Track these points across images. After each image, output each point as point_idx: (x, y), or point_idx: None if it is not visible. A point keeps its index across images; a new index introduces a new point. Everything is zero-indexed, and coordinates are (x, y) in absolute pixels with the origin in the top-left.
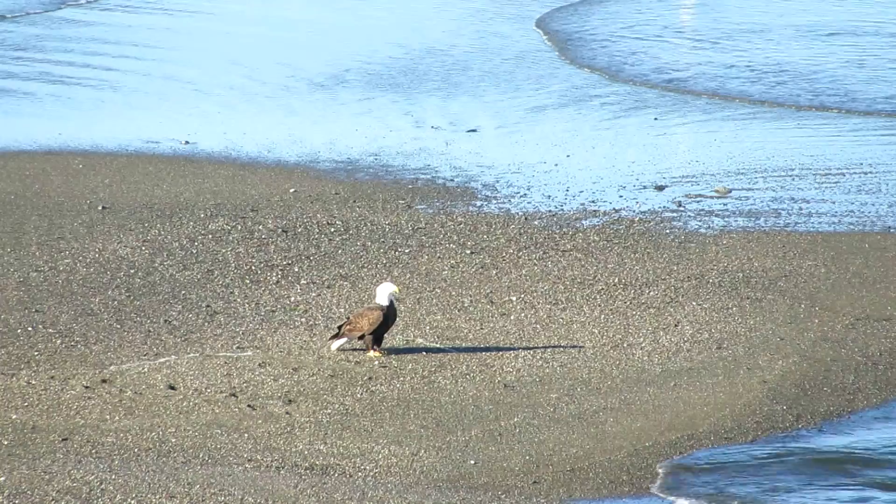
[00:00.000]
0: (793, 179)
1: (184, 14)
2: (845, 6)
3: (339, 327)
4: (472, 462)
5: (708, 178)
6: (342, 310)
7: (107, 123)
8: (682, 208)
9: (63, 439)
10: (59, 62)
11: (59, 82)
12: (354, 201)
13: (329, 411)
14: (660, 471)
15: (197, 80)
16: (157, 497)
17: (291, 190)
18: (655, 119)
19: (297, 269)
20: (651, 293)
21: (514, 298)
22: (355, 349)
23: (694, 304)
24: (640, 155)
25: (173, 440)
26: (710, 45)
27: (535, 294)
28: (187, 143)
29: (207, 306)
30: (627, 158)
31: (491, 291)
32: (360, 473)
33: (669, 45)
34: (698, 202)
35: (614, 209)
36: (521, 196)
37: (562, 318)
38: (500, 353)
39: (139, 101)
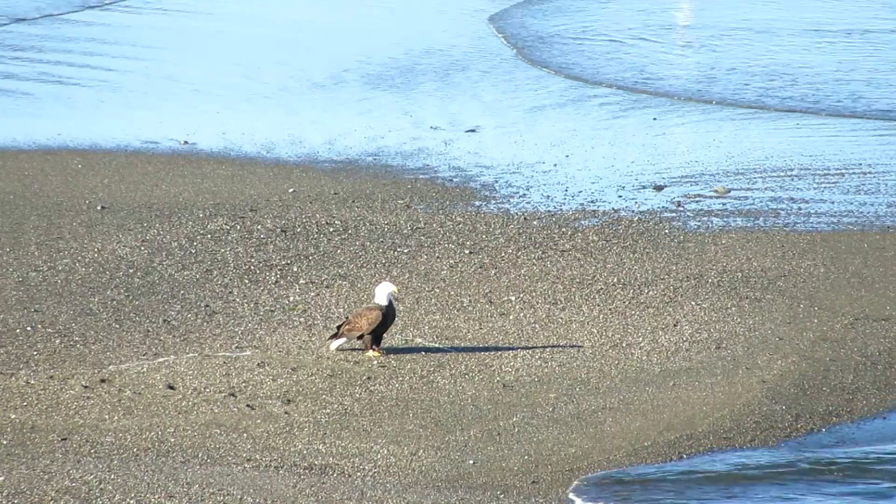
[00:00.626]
0: (792, 179)
1: (182, 14)
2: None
3: (338, 327)
4: (471, 462)
5: (707, 178)
6: (341, 309)
7: (106, 123)
8: (680, 208)
9: (62, 439)
10: (58, 62)
11: (58, 82)
12: (353, 201)
13: (328, 411)
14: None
15: (196, 80)
16: (156, 497)
17: (290, 190)
18: (654, 119)
19: (295, 269)
20: (650, 293)
21: (512, 298)
22: (354, 349)
23: (693, 303)
24: (639, 155)
25: (172, 440)
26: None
27: (533, 294)
28: (186, 143)
29: (206, 306)
30: (626, 158)
31: (490, 291)
32: (358, 473)
33: (656, 46)
34: (697, 202)
35: (613, 209)
36: (520, 196)
37: (561, 318)
38: (499, 352)
39: (138, 101)
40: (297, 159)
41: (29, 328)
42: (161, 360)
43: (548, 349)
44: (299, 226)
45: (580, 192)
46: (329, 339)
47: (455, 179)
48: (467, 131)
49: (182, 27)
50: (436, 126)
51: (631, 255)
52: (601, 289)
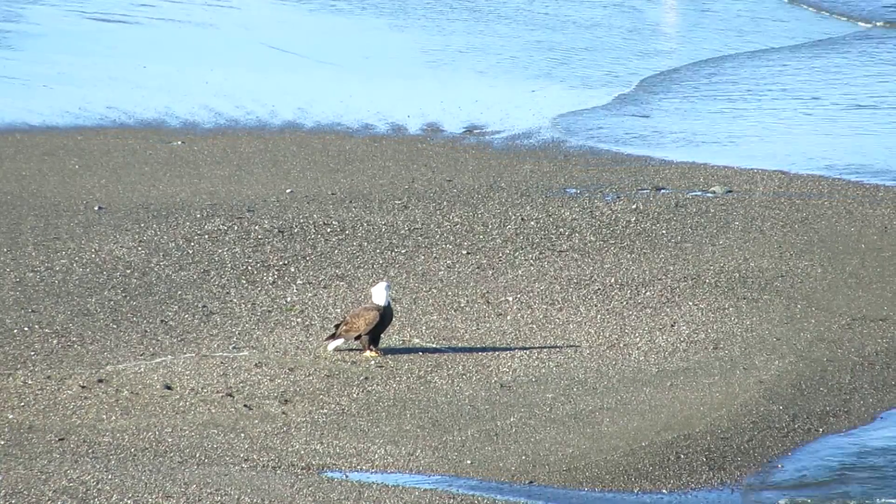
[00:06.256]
0: (790, 179)
1: (182, 15)
2: None
3: (336, 328)
4: (469, 462)
5: (705, 178)
6: (338, 310)
7: (102, 123)
8: (678, 208)
9: (59, 439)
10: (54, 62)
11: (55, 80)
12: (351, 201)
13: (325, 411)
14: None
15: (194, 80)
16: (154, 497)
17: (288, 190)
18: (647, 117)
19: (293, 270)
20: (647, 293)
21: (510, 298)
22: (352, 349)
23: (690, 304)
24: (637, 154)
25: (170, 440)
26: None
27: (531, 294)
28: (182, 143)
29: (204, 306)
30: (625, 158)
31: (487, 292)
32: (356, 473)
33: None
34: (695, 202)
35: (611, 209)
36: (518, 196)
37: (558, 319)
38: (497, 353)
39: (134, 101)
40: (294, 159)
41: (26, 328)
42: (158, 360)
43: (545, 349)
44: (297, 226)
45: (578, 191)
46: (326, 339)
47: (453, 179)
48: (465, 130)
49: (178, 27)
50: (433, 124)
51: (628, 256)
52: (598, 289)
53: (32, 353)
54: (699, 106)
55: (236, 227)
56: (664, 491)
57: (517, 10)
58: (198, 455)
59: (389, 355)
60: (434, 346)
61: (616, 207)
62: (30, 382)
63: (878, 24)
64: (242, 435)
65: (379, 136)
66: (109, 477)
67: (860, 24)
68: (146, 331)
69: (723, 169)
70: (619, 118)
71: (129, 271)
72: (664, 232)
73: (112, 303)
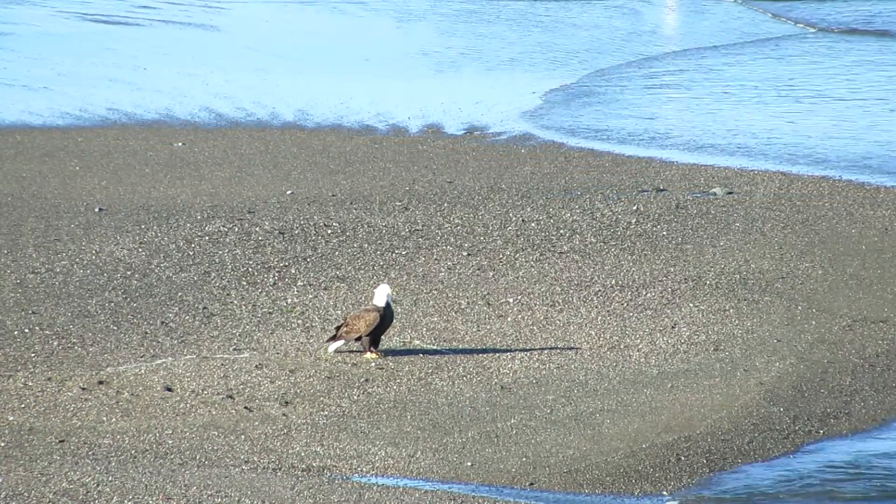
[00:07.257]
0: (791, 181)
1: (182, 17)
2: None
3: (336, 329)
4: (469, 464)
5: (706, 180)
6: (339, 311)
7: (102, 124)
8: (679, 210)
9: (60, 441)
10: (55, 64)
11: (56, 82)
12: (351, 203)
13: (326, 413)
14: None
15: (194, 81)
16: (154, 499)
17: (288, 192)
18: (649, 119)
19: (293, 271)
20: (648, 295)
21: (510, 300)
22: (352, 351)
23: (691, 305)
24: (638, 155)
25: (170, 442)
26: None
27: (531, 296)
28: (183, 144)
29: (204, 308)
30: (626, 159)
31: (488, 293)
32: (356, 475)
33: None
34: (696, 204)
35: (611, 211)
36: (518, 197)
37: (559, 320)
38: (497, 354)
39: (135, 102)
40: (294, 160)
41: (27, 330)
42: (159, 361)
43: (546, 351)
44: (297, 228)
45: (579, 193)
46: (327, 341)
47: (454, 181)
48: (465, 132)
49: (175, 31)
50: (433, 126)
51: (629, 257)
52: (599, 291)
53: (33, 355)
54: (699, 105)
55: (237, 229)
56: (665, 493)
57: (518, 13)
58: (198, 457)
59: (390, 357)
60: (434, 347)
61: (617, 209)
62: (30, 384)
63: (835, 29)
64: (243, 437)
65: (380, 138)
66: (110, 479)
67: (799, 26)
68: (147, 332)
69: (723, 170)
70: (620, 119)
71: (129, 273)
72: (665, 233)
73: (112, 304)
